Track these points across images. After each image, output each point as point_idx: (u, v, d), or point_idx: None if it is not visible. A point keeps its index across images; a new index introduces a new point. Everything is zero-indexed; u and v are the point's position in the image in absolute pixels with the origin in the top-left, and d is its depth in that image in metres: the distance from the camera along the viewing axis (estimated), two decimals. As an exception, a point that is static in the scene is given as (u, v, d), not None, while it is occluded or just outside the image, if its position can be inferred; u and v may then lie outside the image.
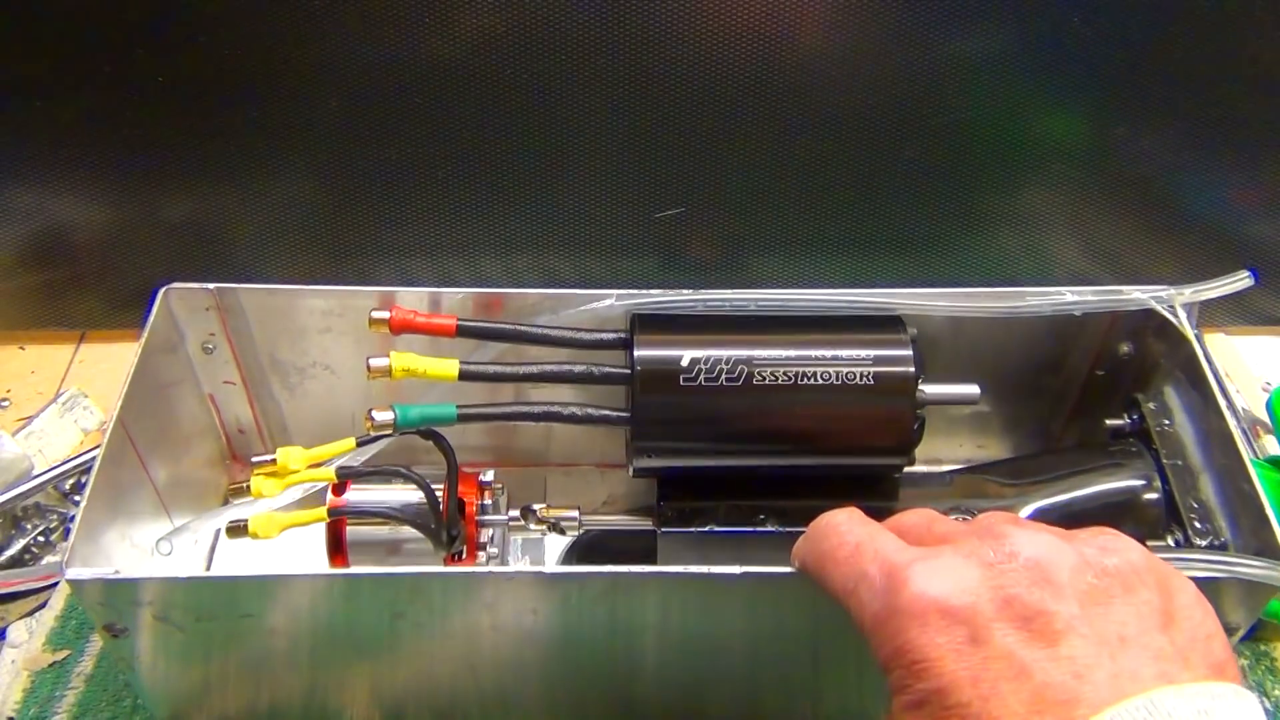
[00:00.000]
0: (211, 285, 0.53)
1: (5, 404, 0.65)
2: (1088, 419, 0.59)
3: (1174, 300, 0.53)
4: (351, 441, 0.46)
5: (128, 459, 0.49)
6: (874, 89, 0.60)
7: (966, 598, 0.31)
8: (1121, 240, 0.67)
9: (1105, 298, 0.53)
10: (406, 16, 0.56)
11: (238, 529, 0.45)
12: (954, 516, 0.50)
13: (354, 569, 0.45)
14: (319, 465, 0.47)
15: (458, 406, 0.46)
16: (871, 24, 0.57)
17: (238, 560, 0.47)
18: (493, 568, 0.42)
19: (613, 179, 0.62)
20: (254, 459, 0.45)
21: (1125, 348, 0.56)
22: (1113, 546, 0.34)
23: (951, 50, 0.59)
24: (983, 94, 0.61)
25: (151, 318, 0.52)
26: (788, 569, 0.41)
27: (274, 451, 0.60)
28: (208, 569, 0.55)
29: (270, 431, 0.61)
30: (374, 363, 0.47)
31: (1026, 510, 0.51)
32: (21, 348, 0.68)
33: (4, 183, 0.62)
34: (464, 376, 0.47)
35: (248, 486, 0.45)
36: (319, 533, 0.50)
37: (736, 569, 0.42)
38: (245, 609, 0.43)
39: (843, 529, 0.37)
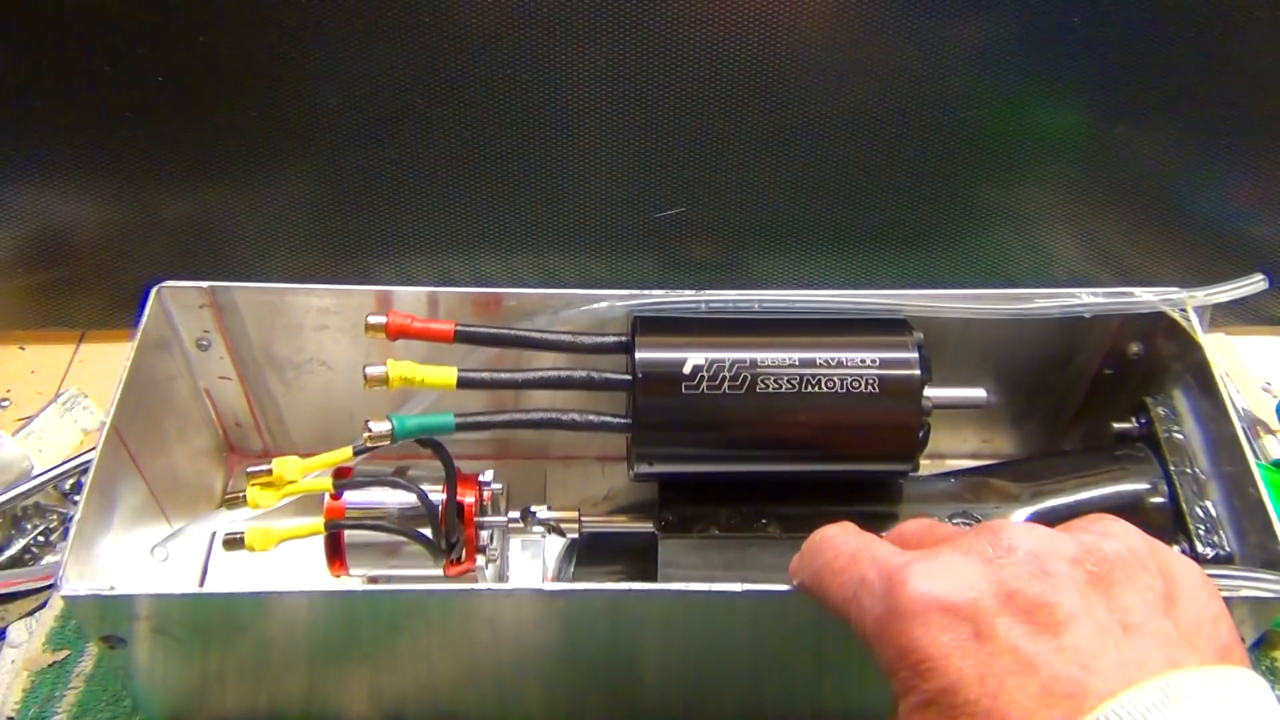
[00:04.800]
0: (205, 284, 0.52)
1: (5, 404, 0.65)
2: (1095, 417, 0.58)
3: (1186, 304, 0.52)
4: (348, 450, 0.45)
5: (122, 464, 0.48)
6: (874, 87, 0.59)
7: (968, 593, 0.31)
8: (1121, 239, 0.67)
9: (1116, 300, 0.52)
10: (406, 15, 0.55)
11: (234, 541, 0.44)
12: (958, 522, 0.52)
13: (349, 587, 0.45)
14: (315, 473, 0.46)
15: (455, 415, 0.46)
16: (872, 22, 0.57)
17: (234, 568, 0.46)
18: (491, 585, 0.42)
19: (613, 179, 0.61)
20: (249, 469, 0.44)
21: (1135, 348, 0.55)
22: (1112, 531, 0.33)
23: (952, 49, 0.58)
24: (982, 92, 0.60)
25: (145, 316, 0.51)
26: (788, 587, 0.40)
27: (270, 445, 0.62)
28: (203, 576, 0.54)
29: (268, 425, 0.60)
30: (370, 371, 0.46)
31: (1030, 512, 0.51)
32: (21, 348, 0.68)
33: (4, 183, 0.62)
34: (462, 384, 0.47)
35: (243, 497, 0.44)
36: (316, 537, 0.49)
37: (738, 587, 0.42)
38: (241, 623, 0.43)
39: (837, 540, 0.37)
